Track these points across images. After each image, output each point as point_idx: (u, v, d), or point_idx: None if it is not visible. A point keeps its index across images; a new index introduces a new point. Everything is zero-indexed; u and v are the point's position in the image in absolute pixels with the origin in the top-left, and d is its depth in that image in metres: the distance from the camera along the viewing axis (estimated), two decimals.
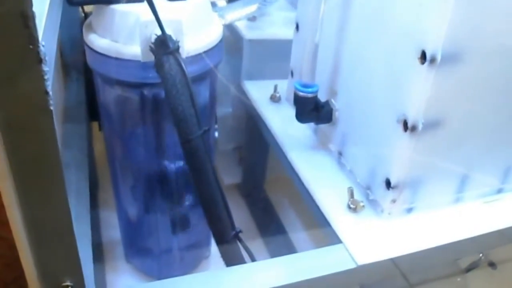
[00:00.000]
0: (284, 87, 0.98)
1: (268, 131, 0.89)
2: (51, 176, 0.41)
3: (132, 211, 0.93)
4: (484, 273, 0.99)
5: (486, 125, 0.69)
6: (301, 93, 0.75)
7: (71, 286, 0.48)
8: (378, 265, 0.64)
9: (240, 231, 0.64)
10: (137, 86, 0.71)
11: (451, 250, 0.69)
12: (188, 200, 0.91)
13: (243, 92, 1.01)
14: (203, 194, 0.61)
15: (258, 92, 0.98)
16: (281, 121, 0.89)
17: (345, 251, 0.65)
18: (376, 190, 0.71)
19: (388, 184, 0.68)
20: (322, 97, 0.79)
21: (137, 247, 0.95)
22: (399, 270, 0.67)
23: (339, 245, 0.66)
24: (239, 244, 0.65)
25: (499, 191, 0.78)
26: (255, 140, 1.08)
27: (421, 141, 0.65)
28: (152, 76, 0.63)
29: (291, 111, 0.91)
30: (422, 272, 0.90)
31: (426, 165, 0.68)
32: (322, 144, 0.84)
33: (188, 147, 0.59)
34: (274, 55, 1.00)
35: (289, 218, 1.10)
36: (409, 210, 0.71)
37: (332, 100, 0.79)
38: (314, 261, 0.63)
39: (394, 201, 0.69)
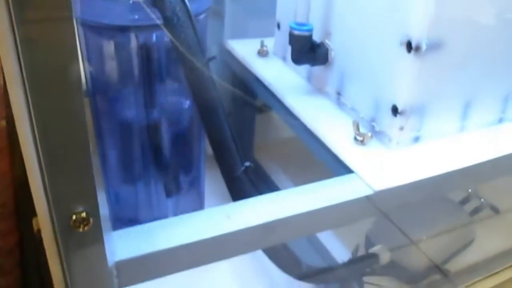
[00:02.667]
0: (270, 44, 0.95)
1: (260, 85, 0.87)
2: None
3: (121, 177, 0.89)
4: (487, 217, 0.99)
5: (486, 50, 0.69)
6: (296, 32, 0.73)
7: (85, 213, 0.44)
8: (394, 191, 0.62)
9: (250, 165, 0.62)
10: (126, 29, 0.68)
11: (460, 176, 0.68)
12: (179, 162, 0.88)
13: (227, 52, 0.98)
14: (210, 125, 0.58)
15: (244, 49, 0.95)
16: (273, 73, 0.87)
17: (359, 179, 0.63)
18: (382, 120, 0.69)
19: (395, 110, 0.66)
20: (316, 39, 0.77)
21: (126, 217, 0.91)
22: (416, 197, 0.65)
23: (353, 175, 0.64)
24: (248, 180, 0.62)
25: (500, 120, 0.77)
26: (242, 105, 1.05)
27: (425, 63, 0.64)
28: (141, 18, 0.60)
29: (281, 64, 0.90)
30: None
31: (431, 89, 0.67)
32: (317, 89, 0.82)
33: (193, 76, 0.56)
34: (257, 12, 0.98)
35: (285, 183, 1.07)
36: (416, 139, 0.70)
37: (327, 41, 0.77)
38: (330, 190, 0.61)
39: (401, 128, 0.67)
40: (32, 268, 0.76)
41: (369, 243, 0.87)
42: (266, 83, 0.85)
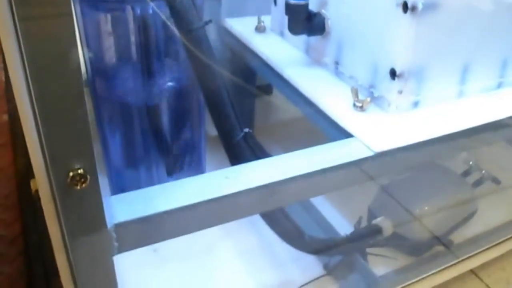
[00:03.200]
0: (267, 21, 0.95)
1: (258, 60, 0.87)
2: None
3: (122, 160, 0.89)
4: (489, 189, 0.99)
5: (483, 12, 0.69)
6: (293, 2, 0.73)
7: (83, 170, 0.44)
8: (394, 153, 0.62)
9: (249, 131, 0.61)
10: (122, 1, 0.68)
11: (458, 139, 0.68)
12: (180, 141, 0.88)
13: (225, 30, 0.98)
14: (208, 91, 0.58)
15: (242, 27, 0.95)
16: (271, 48, 0.87)
17: (359, 142, 0.63)
18: (381, 85, 0.69)
19: (393, 74, 0.66)
20: (312, 9, 0.76)
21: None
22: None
23: (352, 138, 0.64)
24: (246, 146, 0.62)
25: (499, 85, 0.77)
26: (240, 85, 1.05)
27: (421, 23, 0.63)
28: None
29: (279, 39, 0.89)
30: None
31: (428, 51, 0.66)
32: (315, 61, 0.82)
33: (190, 37, 0.56)
34: None
35: None
36: (416, 103, 0.69)
37: (323, 10, 0.77)
38: (330, 152, 0.61)
39: (400, 92, 0.67)
40: (36, 257, 0.76)
41: (372, 216, 0.87)
42: (264, 58, 0.84)
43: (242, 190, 0.54)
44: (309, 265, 0.84)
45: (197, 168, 0.93)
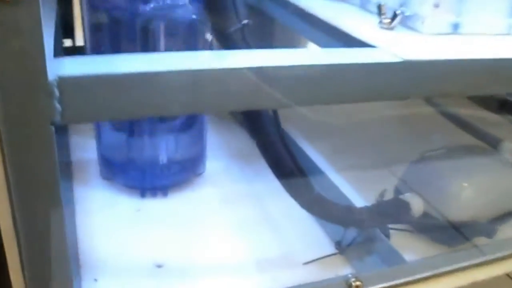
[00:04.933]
0: None
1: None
2: None
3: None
4: None
5: None
6: None
7: None
8: (422, 63, 0.50)
9: (248, 23, 0.50)
10: None
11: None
12: None
13: None
14: None
15: None
16: None
17: (387, 51, 0.50)
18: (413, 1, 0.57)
19: None
20: None
21: (118, 160, 0.79)
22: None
23: (378, 48, 0.52)
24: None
25: None
26: None
27: None
28: None
29: None
30: None
31: None
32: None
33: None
34: None
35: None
36: (455, 26, 0.57)
37: None
38: (352, 53, 0.49)
39: (436, 5, 0.55)
40: None
41: (398, 193, 0.73)
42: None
43: (232, 68, 0.43)
44: (317, 243, 0.70)
45: (197, 136, 0.82)
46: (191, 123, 0.80)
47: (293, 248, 0.69)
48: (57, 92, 0.39)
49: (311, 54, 0.48)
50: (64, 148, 0.86)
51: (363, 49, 0.51)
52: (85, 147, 0.85)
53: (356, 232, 0.67)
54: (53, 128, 0.40)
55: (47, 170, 0.41)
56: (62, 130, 0.92)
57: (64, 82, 0.39)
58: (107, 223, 0.70)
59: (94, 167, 0.81)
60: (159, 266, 0.63)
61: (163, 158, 0.78)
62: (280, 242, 0.70)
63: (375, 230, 0.67)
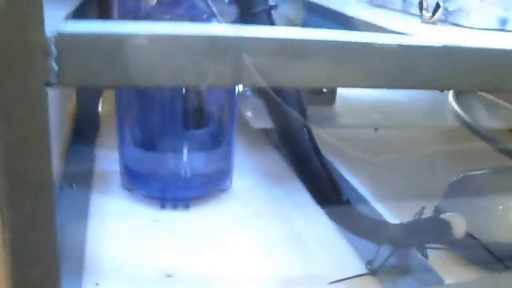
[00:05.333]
0: None
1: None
2: None
3: (138, 124, 0.75)
4: None
5: None
6: None
7: None
8: (463, 50, 0.44)
9: (276, 6, 0.47)
10: None
11: None
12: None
13: None
14: None
15: None
16: None
17: (425, 38, 0.46)
18: None
19: None
20: None
21: (139, 170, 0.76)
22: None
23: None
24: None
25: None
26: None
27: None
28: None
29: None
30: None
31: None
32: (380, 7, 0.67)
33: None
34: None
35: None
36: (503, 21, 0.52)
37: None
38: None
39: None
40: None
41: (438, 212, 0.66)
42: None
43: (252, 37, 0.39)
44: (347, 262, 0.64)
45: (224, 149, 0.78)
46: (218, 136, 0.77)
47: (320, 267, 0.63)
48: (54, 50, 0.35)
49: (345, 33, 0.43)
50: (88, 158, 0.84)
51: (401, 35, 0.46)
52: (111, 160, 0.81)
53: (389, 251, 0.60)
54: (47, 90, 0.36)
55: (38, 136, 0.37)
56: (89, 141, 0.90)
57: (63, 39, 0.35)
58: (120, 230, 0.66)
59: (116, 178, 0.78)
60: (169, 276, 0.58)
61: (185, 170, 0.74)
62: (306, 261, 0.64)
63: (411, 250, 0.60)
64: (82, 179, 0.77)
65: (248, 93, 0.94)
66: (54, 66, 0.36)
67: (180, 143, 0.73)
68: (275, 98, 0.50)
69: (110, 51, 0.37)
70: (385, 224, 0.61)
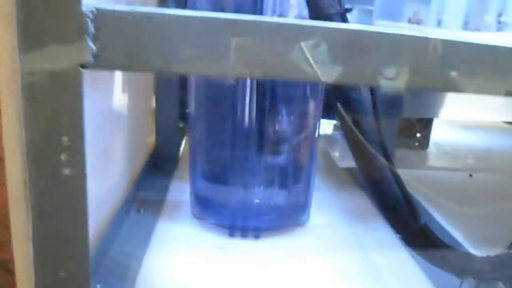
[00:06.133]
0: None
1: None
2: None
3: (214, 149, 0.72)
4: None
5: None
6: None
7: None
8: None
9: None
10: None
11: None
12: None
13: None
14: None
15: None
16: None
17: None
18: None
19: None
20: None
21: (210, 198, 0.72)
22: None
23: None
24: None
25: None
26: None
27: None
28: None
29: None
30: None
31: None
32: None
33: None
34: None
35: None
36: None
37: None
38: None
39: None
40: None
41: None
42: None
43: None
44: None
45: (303, 183, 0.72)
46: (295, 169, 0.71)
47: None
48: (91, 27, 0.32)
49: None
50: (163, 189, 0.82)
51: None
52: (185, 191, 0.78)
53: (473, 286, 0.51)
54: (82, 71, 0.33)
55: (71, 122, 0.33)
56: (167, 173, 0.88)
57: (103, 15, 0.32)
58: (181, 254, 0.62)
59: (187, 208, 0.74)
60: None
61: (258, 199, 0.69)
62: None
63: (497, 284, 0.51)
64: (152, 205, 0.75)
65: (338, 136, 0.90)
66: (91, 45, 0.32)
67: (252, 173, 0.68)
68: (358, 138, 0.48)
69: (157, 31, 0.33)
70: (469, 256, 0.52)
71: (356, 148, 0.50)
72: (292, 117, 0.69)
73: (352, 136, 0.50)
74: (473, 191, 0.89)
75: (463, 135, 1.26)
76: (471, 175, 0.98)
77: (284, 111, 0.68)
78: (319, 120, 0.70)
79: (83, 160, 0.34)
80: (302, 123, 0.69)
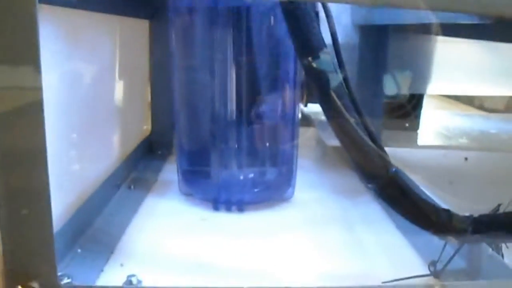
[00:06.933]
0: None
1: None
2: None
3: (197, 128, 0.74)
4: None
5: None
6: None
7: None
8: None
9: None
10: None
11: None
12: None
13: None
14: None
15: None
16: None
17: None
18: None
19: None
20: None
21: (196, 173, 0.73)
22: None
23: None
24: None
25: None
26: None
27: None
28: None
29: None
30: None
31: None
32: None
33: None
34: None
35: None
36: None
37: None
38: None
39: None
40: None
41: None
42: None
43: None
44: (405, 261, 0.55)
45: (286, 157, 0.73)
46: (276, 144, 0.73)
47: (378, 269, 0.55)
48: None
49: None
50: (155, 171, 0.84)
51: None
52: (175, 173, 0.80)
53: (454, 249, 0.51)
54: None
55: (29, 55, 0.35)
56: (161, 158, 0.90)
57: None
58: (164, 226, 0.63)
59: (177, 186, 0.76)
60: (200, 266, 0.53)
61: (242, 173, 0.71)
62: (363, 262, 0.56)
63: (483, 247, 0.51)
64: (143, 184, 0.77)
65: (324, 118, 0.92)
66: None
67: (234, 148, 0.70)
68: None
69: None
70: (451, 214, 0.52)
71: (325, 103, 0.50)
72: (272, 92, 0.70)
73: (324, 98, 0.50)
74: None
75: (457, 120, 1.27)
76: (466, 159, 0.99)
77: (264, 89, 0.70)
78: (300, 93, 0.71)
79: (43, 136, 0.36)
80: (282, 98, 0.71)
